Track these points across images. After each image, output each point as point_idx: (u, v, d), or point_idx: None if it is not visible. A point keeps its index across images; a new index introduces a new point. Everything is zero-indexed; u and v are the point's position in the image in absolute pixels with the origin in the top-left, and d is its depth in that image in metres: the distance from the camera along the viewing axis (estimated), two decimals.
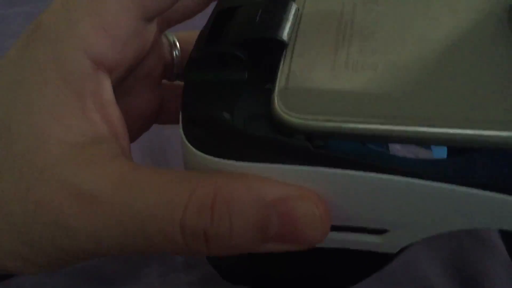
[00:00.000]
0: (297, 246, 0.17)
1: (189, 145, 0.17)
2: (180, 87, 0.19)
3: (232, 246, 0.17)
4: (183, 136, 0.18)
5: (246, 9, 0.19)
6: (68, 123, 0.17)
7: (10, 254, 0.17)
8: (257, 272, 0.23)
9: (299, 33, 0.18)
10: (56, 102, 0.17)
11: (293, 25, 0.18)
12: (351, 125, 0.16)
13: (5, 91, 0.17)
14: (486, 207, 0.16)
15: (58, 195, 0.16)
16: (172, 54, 0.23)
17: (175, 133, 0.25)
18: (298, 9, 0.18)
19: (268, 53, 0.18)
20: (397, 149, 0.16)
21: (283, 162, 0.16)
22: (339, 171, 0.16)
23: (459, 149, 0.16)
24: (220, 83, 0.18)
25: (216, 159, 0.17)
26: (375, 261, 0.21)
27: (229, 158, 0.17)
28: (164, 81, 0.24)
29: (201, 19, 0.21)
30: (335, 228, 0.18)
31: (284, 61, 0.18)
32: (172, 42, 0.23)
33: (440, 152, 0.16)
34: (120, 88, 0.19)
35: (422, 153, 0.16)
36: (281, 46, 0.17)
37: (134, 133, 0.23)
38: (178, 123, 0.18)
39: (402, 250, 0.20)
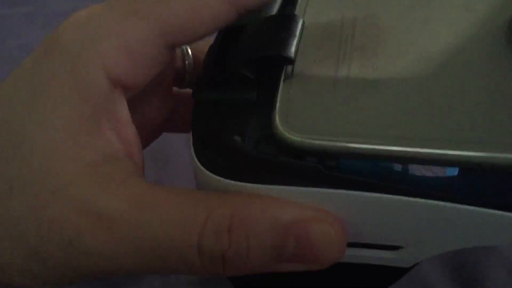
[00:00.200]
0: (313, 266, 0.17)
1: (200, 166, 0.17)
2: (191, 95, 0.19)
3: (249, 267, 0.17)
4: (194, 157, 0.18)
5: (253, 27, 0.19)
6: (84, 142, 0.17)
7: (21, 271, 0.17)
8: (271, 283, 0.23)
9: (299, 48, 0.18)
10: (72, 119, 0.17)
11: (299, 40, 0.18)
12: (362, 146, 0.16)
13: (21, 104, 0.17)
14: (497, 225, 0.16)
15: (73, 214, 0.16)
16: (184, 62, 0.22)
17: (175, 135, 0.25)
18: (304, 22, 0.18)
19: (275, 71, 0.18)
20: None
21: (296, 184, 0.16)
22: (351, 192, 0.16)
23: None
24: (229, 104, 0.18)
25: (228, 181, 0.17)
26: (389, 274, 0.21)
27: (240, 180, 0.17)
28: (175, 88, 0.24)
29: None
30: (349, 245, 0.18)
31: (284, 78, 0.18)
32: (184, 50, 0.23)
33: (453, 169, 0.16)
34: (134, 98, 0.19)
35: (435, 169, 0.16)
36: (289, 62, 0.17)
37: (144, 142, 0.22)
38: (188, 132, 0.18)
39: (415, 264, 0.20)
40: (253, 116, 0.17)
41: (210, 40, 0.20)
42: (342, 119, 0.16)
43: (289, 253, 0.17)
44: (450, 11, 0.18)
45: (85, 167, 0.17)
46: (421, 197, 0.16)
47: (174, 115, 0.23)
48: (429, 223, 0.17)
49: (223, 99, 0.18)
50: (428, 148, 0.15)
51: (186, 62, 0.22)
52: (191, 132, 0.18)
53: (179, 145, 0.34)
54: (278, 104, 0.17)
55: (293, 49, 0.17)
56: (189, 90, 0.24)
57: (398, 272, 0.21)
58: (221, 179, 0.17)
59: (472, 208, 0.16)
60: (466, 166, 0.15)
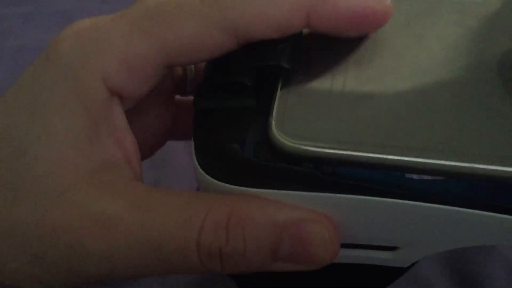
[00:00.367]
0: (307, 266, 0.18)
1: (202, 172, 0.18)
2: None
3: (246, 265, 0.17)
4: (196, 163, 0.18)
5: None
6: (85, 149, 0.17)
7: (27, 277, 0.17)
8: (274, 283, 0.24)
9: (297, 58, 0.19)
10: (72, 127, 0.17)
11: (297, 50, 0.18)
12: (357, 154, 0.16)
13: (23, 113, 0.17)
14: (488, 226, 0.17)
15: (74, 219, 0.17)
16: (185, 70, 0.23)
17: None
18: (302, 33, 0.19)
19: (274, 80, 0.18)
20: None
21: (293, 189, 0.17)
22: (347, 196, 0.17)
23: None
24: (229, 111, 0.18)
25: (229, 186, 0.18)
26: (387, 274, 0.22)
27: (241, 185, 0.17)
28: (177, 97, 0.24)
29: None
30: (346, 246, 0.19)
31: (280, 86, 0.18)
32: None
33: None
34: (135, 108, 0.19)
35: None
36: (286, 72, 0.18)
37: (148, 150, 0.23)
38: (191, 139, 0.19)
39: (413, 264, 0.20)
40: (251, 122, 0.18)
41: None
42: (337, 127, 0.17)
43: (285, 252, 0.17)
44: (444, 28, 0.19)
45: (86, 173, 0.17)
46: (415, 200, 0.16)
47: (177, 123, 0.23)
48: (423, 224, 0.17)
49: (223, 106, 0.18)
50: (419, 157, 0.16)
51: (187, 70, 0.22)
52: (192, 139, 0.19)
53: (177, 146, 0.34)
54: (274, 112, 0.17)
55: (290, 59, 0.18)
56: (191, 98, 0.25)
57: (396, 272, 0.21)
58: (222, 183, 0.18)
59: (464, 210, 0.16)
60: (456, 177, 0.16)
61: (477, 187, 0.17)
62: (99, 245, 0.17)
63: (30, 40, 0.43)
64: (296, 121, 0.17)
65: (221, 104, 0.18)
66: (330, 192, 0.17)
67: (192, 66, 0.22)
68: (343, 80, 0.18)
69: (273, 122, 0.17)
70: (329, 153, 0.16)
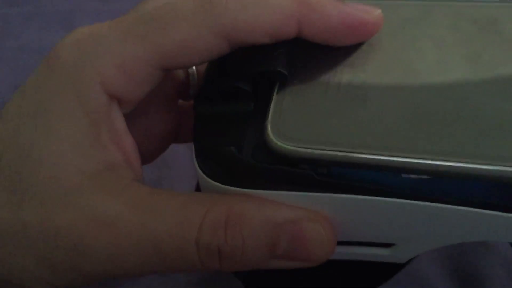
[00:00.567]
0: (304, 263, 0.18)
1: (202, 174, 0.18)
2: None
3: (244, 263, 0.18)
4: (197, 166, 0.19)
5: None
6: (87, 152, 0.18)
7: (33, 277, 0.18)
8: (278, 281, 0.24)
9: (292, 63, 0.19)
10: (75, 131, 0.18)
11: (292, 55, 0.19)
12: (351, 155, 0.17)
13: (27, 119, 0.18)
14: (481, 223, 0.17)
15: (78, 221, 0.17)
16: (187, 75, 0.23)
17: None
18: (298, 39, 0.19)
19: (271, 84, 0.19)
20: None
21: (290, 189, 0.17)
22: (342, 196, 0.17)
23: None
24: (228, 115, 0.19)
25: (228, 187, 0.18)
26: (386, 269, 0.22)
27: (239, 186, 0.18)
28: (180, 101, 0.24)
29: None
30: (343, 243, 0.19)
31: (277, 90, 0.18)
32: None
33: None
34: (134, 110, 0.20)
35: None
36: (282, 77, 0.18)
37: (152, 153, 0.23)
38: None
39: (410, 260, 0.21)
40: (249, 126, 0.18)
41: None
42: (332, 129, 0.17)
43: (282, 250, 0.18)
44: (438, 31, 0.19)
45: (89, 176, 0.18)
46: (409, 198, 0.17)
47: (180, 126, 0.24)
48: (418, 222, 0.18)
49: (222, 110, 0.19)
50: (414, 158, 0.16)
51: (190, 75, 0.23)
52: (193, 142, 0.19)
53: (178, 146, 0.34)
54: (270, 115, 0.18)
55: (286, 64, 0.18)
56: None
57: (394, 268, 0.22)
58: (221, 185, 0.18)
59: (458, 207, 0.17)
60: (451, 176, 0.16)
61: (470, 185, 0.17)
62: (101, 245, 0.17)
63: (30, 40, 0.43)
64: (291, 124, 0.17)
65: (220, 108, 0.19)
66: (325, 192, 0.17)
67: (194, 71, 0.23)
68: (337, 84, 0.18)
69: (269, 126, 0.17)
70: (323, 154, 0.17)
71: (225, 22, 0.18)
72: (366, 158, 0.16)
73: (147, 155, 0.23)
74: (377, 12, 0.18)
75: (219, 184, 0.18)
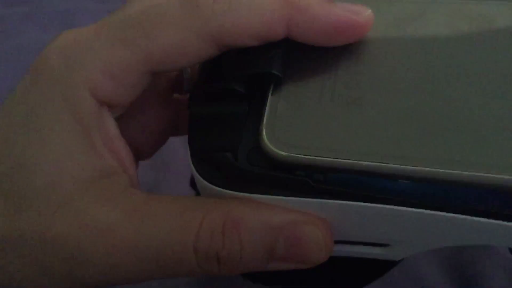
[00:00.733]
0: (302, 265, 0.18)
1: (199, 176, 0.18)
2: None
3: (242, 266, 0.18)
4: (193, 167, 0.19)
5: None
6: (81, 159, 0.18)
7: (35, 286, 0.18)
8: (274, 272, 0.24)
9: (288, 64, 0.19)
10: (67, 139, 0.18)
11: (287, 57, 0.19)
12: (347, 162, 0.17)
13: (18, 128, 0.18)
14: (474, 229, 0.17)
15: (74, 229, 0.17)
16: (180, 70, 0.23)
17: (174, 138, 0.25)
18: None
19: (265, 86, 0.19)
20: None
21: (286, 195, 0.17)
22: (338, 202, 0.17)
23: None
24: (222, 117, 0.19)
25: (225, 191, 0.18)
26: (381, 265, 0.23)
27: (236, 190, 0.18)
28: (176, 95, 0.24)
29: None
30: (339, 242, 0.20)
31: (271, 93, 0.18)
32: None
33: None
34: (131, 110, 0.20)
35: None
36: (277, 79, 0.18)
37: (150, 148, 0.23)
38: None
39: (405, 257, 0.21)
40: (244, 129, 0.18)
41: None
42: (328, 135, 0.17)
43: (280, 253, 0.18)
44: (434, 28, 0.19)
45: (84, 183, 0.18)
46: (404, 205, 0.17)
47: (177, 119, 0.24)
48: (414, 227, 0.18)
49: (216, 112, 0.19)
50: (413, 165, 0.16)
51: (183, 71, 0.23)
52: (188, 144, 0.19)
53: (177, 145, 0.34)
54: (265, 119, 0.18)
55: (281, 66, 0.18)
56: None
57: (388, 264, 0.22)
58: (218, 188, 0.18)
59: (452, 215, 0.17)
60: (446, 184, 0.16)
61: (468, 192, 0.17)
62: (98, 253, 0.17)
63: (29, 40, 0.43)
64: (287, 129, 0.17)
65: (215, 109, 0.19)
66: (321, 198, 0.17)
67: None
68: (333, 86, 0.18)
69: (264, 131, 0.17)
70: (319, 161, 0.17)
71: (212, 25, 0.17)
72: (363, 165, 0.16)
73: (145, 151, 0.23)
74: (366, 12, 0.18)
75: (216, 187, 0.18)
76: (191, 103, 0.19)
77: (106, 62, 0.18)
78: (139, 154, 0.23)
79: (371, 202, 0.17)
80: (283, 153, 0.17)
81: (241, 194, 0.18)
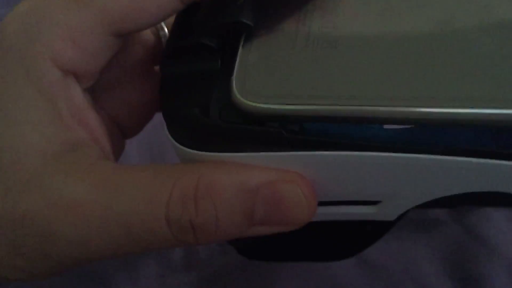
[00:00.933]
0: (285, 227, 0.17)
1: (173, 140, 0.17)
2: None
3: (221, 234, 0.17)
4: (167, 130, 0.18)
5: None
6: (47, 133, 0.17)
7: (9, 266, 0.17)
8: (269, 246, 0.23)
9: (257, 13, 0.18)
10: (32, 112, 0.17)
11: (257, 5, 0.18)
12: (321, 108, 0.15)
13: None
14: (467, 171, 0.16)
15: (42, 206, 0.16)
16: (159, 38, 0.22)
17: None
18: None
19: (236, 37, 0.18)
20: None
21: (262, 150, 0.16)
22: (316, 153, 0.16)
23: None
24: (194, 75, 0.18)
25: (198, 152, 0.17)
26: (378, 228, 0.21)
27: (209, 150, 0.17)
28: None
29: None
30: (325, 203, 0.18)
31: (242, 44, 0.17)
32: (159, 26, 0.23)
33: None
34: (109, 83, 0.19)
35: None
36: (248, 28, 0.17)
37: (134, 124, 0.22)
38: None
39: (400, 217, 0.20)
40: (216, 85, 0.17)
41: None
42: (301, 81, 0.16)
43: (260, 216, 0.17)
44: None
45: (51, 157, 0.17)
46: (388, 151, 0.16)
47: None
48: (401, 175, 0.17)
49: (188, 70, 0.18)
50: (388, 106, 0.15)
51: (162, 38, 0.22)
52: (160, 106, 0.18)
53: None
54: (235, 71, 0.17)
55: (251, 14, 0.17)
56: None
57: (385, 226, 0.21)
58: (190, 150, 0.17)
59: (439, 157, 0.16)
60: (433, 124, 0.15)
61: (455, 132, 0.16)
62: (68, 230, 0.16)
63: None
64: (258, 79, 0.16)
65: (186, 68, 0.18)
66: (298, 150, 0.16)
67: (166, 33, 0.22)
68: (307, 31, 0.17)
69: (234, 82, 0.16)
70: (292, 109, 0.16)
71: None
72: (342, 109, 0.15)
73: (130, 127, 0.22)
74: None
75: (188, 150, 0.17)
76: (162, 63, 0.19)
77: (64, 28, 0.17)
78: (124, 130, 0.22)
79: (353, 150, 0.16)
80: (253, 103, 0.16)
81: (214, 154, 0.17)
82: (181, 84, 0.18)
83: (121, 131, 0.22)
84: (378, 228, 0.22)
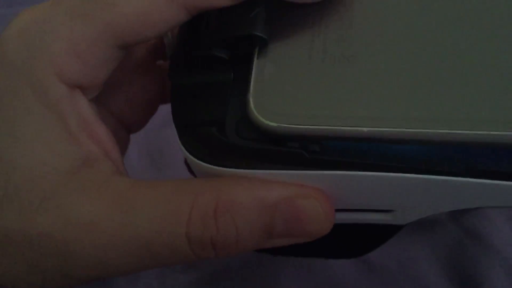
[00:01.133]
0: (302, 240, 0.18)
1: (187, 153, 0.17)
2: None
3: (240, 248, 0.17)
4: (180, 143, 0.17)
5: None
6: (58, 149, 0.17)
7: (25, 282, 0.17)
8: None
9: (271, 25, 0.17)
10: (42, 129, 0.17)
11: (271, 16, 0.17)
12: (343, 129, 0.15)
13: None
14: (483, 191, 0.16)
15: (59, 226, 0.16)
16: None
17: (174, 133, 0.25)
18: None
19: (250, 49, 0.17)
20: None
21: (280, 168, 0.16)
22: (335, 172, 0.16)
23: None
24: (206, 87, 0.17)
25: (216, 168, 0.17)
26: (387, 229, 0.21)
27: (227, 166, 0.17)
28: (161, 61, 0.23)
29: None
30: (341, 210, 0.18)
31: (257, 57, 0.17)
32: None
33: None
34: (111, 82, 0.19)
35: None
36: (262, 41, 0.17)
37: (139, 120, 0.22)
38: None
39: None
40: (231, 98, 0.17)
41: None
42: (321, 99, 0.16)
43: (279, 230, 0.17)
44: None
45: (65, 175, 0.17)
46: (405, 172, 0.16)
47: (164, 86, 0.23)
48: (417, 193, 0.17)
49: (199, 81, 0.17)
50: (414, 128, 0.15)
51: (164, 37, 0.21)
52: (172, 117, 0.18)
53: (177, 145, 0.34)
54: (252, 87, 0.16)
55: (264, 26, 0.17)
56: None
57: (395, 228, 0.20)
58: (207, 165, 0.17)
59: (458, 179, 0.16)
60: (450, 144, 0.15)
61: (472, 152, 0.16)
62: (86, 249, 0.16)
63: None
64: (276, 96, 0.16)
65: (197, 78, 0.17)
66: (317, 169, 0.16)
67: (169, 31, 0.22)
68: (323, 44, 0.17)
69: (251, 100, 0.16)
70: (313, 129, 0.15)
71: None
72: (364, 131, 0.15)
73: (135, 123, 0.22)
74: None
75: (205, 164, 0.17)
76: (171, 73, 0.18)
77: (68, 41, 0.17)
78: (129, 127, 0.22)
79: (373, 171, 0.16)
80: (273, 124, 0.15)
81: (233, 170, 0.17)
82: (194, 95, 0.17)
83: (125, 128, 0.22)
84: (388, 229, 0.22)
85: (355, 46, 0.16)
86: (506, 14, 0.17)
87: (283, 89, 0.16)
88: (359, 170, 0.16)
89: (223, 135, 0.16)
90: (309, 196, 0.17)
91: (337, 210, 0.18)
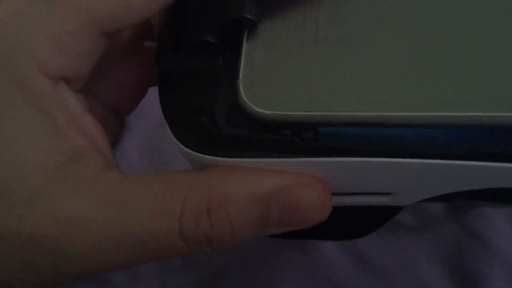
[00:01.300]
0: (299, 227, 0.17)
1: (179, 144, 0.17)
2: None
3: (236, 241, 0.17)
4: (170, 132, 0.17)
5: None
6: (44, 145, 0.16)
7: (20, 281, 0.17)
8: None
9: (261, 7, 0.17)
10: (26, 125, 0.16)
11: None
12: (338, 114, 0.15)
13: None
14: (481, 174, 0.16)
15: (50, 224, 0.16)
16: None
17: None
18: None
19: (237, 32, 0.17)
20: None
21: (274, 156, 0.16)
22: (330, 159, 0.16)
23: None
24: (195, 73, 0.17)
25: (208, 157, 0.16)
26: (388, 211, 0.21)
27: (219, 156, 0.16)
28: (149, 42, 0.22)
29: None
30: (338, 193, 0.18)
31: (246, 41, 0.16)
32: None
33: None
34: (97, 68, 0.18)
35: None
36: (252, 24, 0.16)
37: (129, 103, 0.22)
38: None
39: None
40: (220, 85, 0.16)
41: None
42: (314, 84, 0.15)
43: (275, 219, 0.17)
44: None
45: (53, 171, 0.16)
46: (403, 157, 0.16)
47: (153, 68, 0.22)
48: (415, 177, 0.17)
49: (188, 68, 0.17)
50: (405, 111, 0.15)
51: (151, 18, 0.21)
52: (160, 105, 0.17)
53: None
54: (241, 73, 0.16)
55: (254, 8, 0.16)
56: None
57: (395, 208, 0.20)
58: (199, 155, 0.16)
59: (455, 162, 0.15)
60: (446, 127, 0.15)
61: (470, 134, 0.16)
62: (79, 248, 0.16)
63: None
64: (267, 82, 0.15)
65: (185, 65, 0.17)
66: (312, 156, 0.16)
67: None
68: (315, 26, 0.16)
69: (241, 87, 0.16)
70: (307, 116, 0.15)
71: None
72: (360, 115, 0.15)
73: (124, 109, 0.22)
74: None
75: (197, 154, 0.16)
76: (158, 58, 0.17)
77: (48, 33, 0.16)
78: (119, 112, 0.22)
79: (370, 157, 0.15)
80: (265, 111, 0.15)
81: (226, 159, 0.16)
82: (182, 82, 0.17)
83: (116, 114, 0.21)
84: (390, 210, 0.21)
85: (349, 26, 0.16)
86: None
87: (274, 73, 0.16)
88: (355, 156, 0.16)
89: (214, 124, 0.16)
90: (305, 185, 0.17)
91: (334, 194, 0.18)
